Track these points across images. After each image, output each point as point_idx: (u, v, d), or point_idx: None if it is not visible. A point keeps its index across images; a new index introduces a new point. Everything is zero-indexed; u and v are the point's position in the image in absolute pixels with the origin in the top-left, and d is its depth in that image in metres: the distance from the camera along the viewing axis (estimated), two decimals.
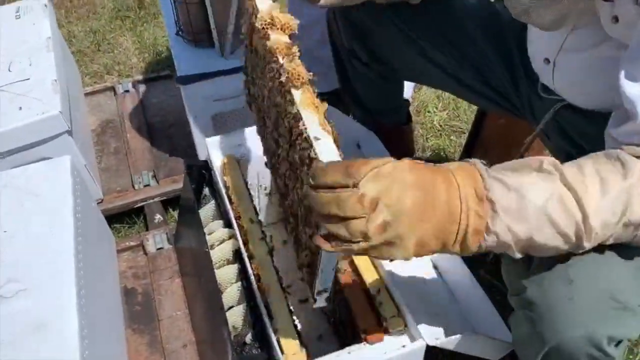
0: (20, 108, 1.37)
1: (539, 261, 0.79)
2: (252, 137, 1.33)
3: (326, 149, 0.78)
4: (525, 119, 1.24)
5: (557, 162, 0.73)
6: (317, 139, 0.80)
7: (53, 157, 1.29)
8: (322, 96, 0.89)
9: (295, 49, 0.90)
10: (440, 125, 2.04)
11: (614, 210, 0.70)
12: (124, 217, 1.70)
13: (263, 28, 0.94)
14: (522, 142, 1.31)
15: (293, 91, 0.86)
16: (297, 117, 0.85)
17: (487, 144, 1.64)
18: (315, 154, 0.78)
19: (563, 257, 0.77)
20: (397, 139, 1.53)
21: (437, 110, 2.09)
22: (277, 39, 0.92)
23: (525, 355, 0.86)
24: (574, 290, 0.76)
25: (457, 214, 0.68)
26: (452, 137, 2.00)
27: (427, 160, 1.89)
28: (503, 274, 0.87)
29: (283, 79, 0.88)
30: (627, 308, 0.76)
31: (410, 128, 1.63)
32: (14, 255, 1.07)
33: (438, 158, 1.92)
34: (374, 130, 1.41)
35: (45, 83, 1.43)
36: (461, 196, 0.68)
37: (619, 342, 0.78)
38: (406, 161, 0.69)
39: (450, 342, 0.97)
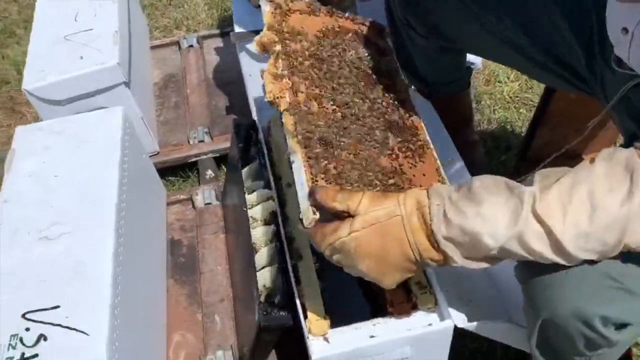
0: (82, 57, 1.42)
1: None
2: None
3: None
4: (597, 97, 1.13)
5: (548, 175, 0.69)
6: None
7: (110, 107, 1.33)
8: None
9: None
10: (510, 97, 1.92)
11: (604, 240, 0.65)
12: (178, 171, 1.73)
13: None
14: (591, 118, 1.20)
15: None
16: None
17: (555, 120, 1.53)
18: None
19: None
20: (453, 108, 1.44)
21: (508, 80, 1.97)
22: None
23: (528, 327, 0.83)
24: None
25: (412, 258, 0.75)
26: (521, 110, 1.88)
27: (491, 135, 1.79)
28: (516, 276, 0.83)
29: None
30: (625, 289, 0.69)
31: (467, 95, 1.53)
32: (62, 199, 1.11)
33: (503, 131, 1.81)
34: (428, 97, 1.34)
35: (106, 34, 1.47)
36: (412, 249, 0.74)
37: (623, 326, 0.71)
38: (365, 231, 0.74)
39: (481, 327, 0.92)
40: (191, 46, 2.00)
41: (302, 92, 0.97)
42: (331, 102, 0.99)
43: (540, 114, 1.55)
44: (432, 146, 1.02)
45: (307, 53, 1.05)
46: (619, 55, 0.98)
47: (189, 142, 1.71)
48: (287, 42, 1.05)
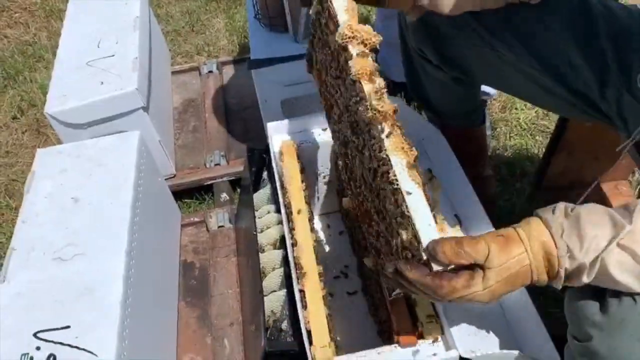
0: (102, 82, 1.46)
1: (614, 309, 0.72)
2: (315, 124, 1.32)
3: (420, 213, 0.78)
4: (614, 126, 1.11)
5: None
6: (408, 193, 0.79)
7: (129, 131, 1.36)
8: (399, 86, 0.85)
9: (380, 82, 0.87)
10: (526, 124, 1.91)
11: None
12: (194, 193, 1.76)
13: (344, 42, 0.90)
14: (610, 149, 1.18)
15: (382, 136, 0.83)
16: (385, 162, 0.83)
17: (572, 147, 1.51)
18: (409, 213, 0.78)
19: None
20: (467, 141, 1.43)
21: (525, 108, 1.96)
22: (362, 64, 0.87)
23: None
24: None
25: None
26: (537, 137, 1.87)
27: (506, 162, 1.78)
28: (565, 308, 0.80)
29: (369, 114, 0.85)
30: None
31: (482, 130, 1.52)
32: (77, 221, 1.14)
33: (518, 158, 1.80)
34: (442, 130, 1.34)
35: (126, 60, 1.52)
36: (533, 282, 0.75)
37: None
38: (499, 283, 0.75)
39: (487, 358, 0.90)
40: (211, 72, 2.05)
41: None
42: None
43: (556, 141, 1.54)
44: None
45: None
46: None
47: (205, 165, 1.74)
48: None
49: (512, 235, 0.75)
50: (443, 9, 1.04)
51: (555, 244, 0.72)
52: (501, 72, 1.19)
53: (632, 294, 0.70)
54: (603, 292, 0.72)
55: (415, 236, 0.78)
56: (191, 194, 1.76)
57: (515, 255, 0.73)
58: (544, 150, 1.77)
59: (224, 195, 1.67)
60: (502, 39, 1.13)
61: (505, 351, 0.91)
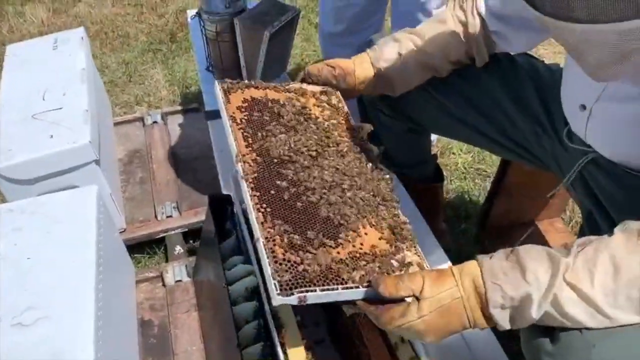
0: (52, 136, 1.41)
1: (563, 339, 0.78)
2: None
3: None
4: (551, 171, 1.22)
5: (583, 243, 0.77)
6: None
7: (80, 185, 1.32)
8: None
9: None
10: (465, 168, 2.03)
11: (630, 295, 0.72)
12: (145, 247, 1.70)
13: None
14: (547, 189, 1.29)
15: None
16: None
17: (512, 190, 1.62)
18: None
19: (587, 338, 0.76)
20: (425, 196, 1.51)
21: (461, 152, 2.09)
22: None
23: None
24: None
25: (467, 327, 0.81)
26: (476, 180, 1.99)
27: (450, 204, 1.87)
28: (522, 345, 0.86)
29: None
30: None
31: (439, 187, 1.62)
32: (36, 283, 1.07)
33: (461, 201, 1.90)
34: (404, 184, 1.40)
35: (76, 113, 1.47)
36: (470, 322, 0.81)
37: None
38: (432, 314, 0.80)
39: None
40: (155, 122, 2.02)
41: None
42: None
43: (497, 185, 1.65)
44: None
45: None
46: (575, 131, 1.07)
47: (156, 217, 1.69)
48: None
49: (445, 271, 0.83)
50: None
51: (484, 281, 0.79)
52: (447, 123, 1.28)
53: (579, 329, 0.76)
54: (552, 329, 0.78)
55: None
56: (141, 249, 1.71)
57: (446, 288, 0.80)
58: (484, 192, 1.89)
59: (179, 248, 1.63)
60: (447, 96, 1.23)
61: None
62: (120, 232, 1.61)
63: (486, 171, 1.99)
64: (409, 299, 0.81)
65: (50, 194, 1.26)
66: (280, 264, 0.84)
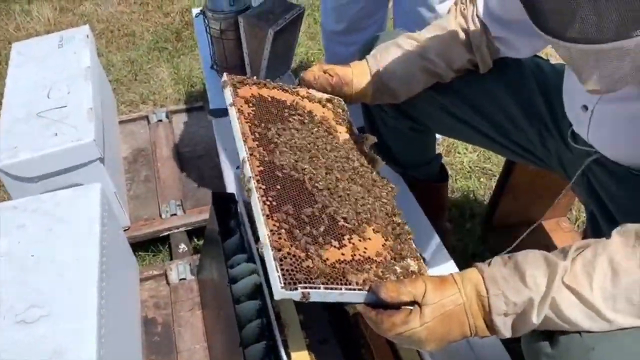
0: (56, 134, 1.41)
1: (562, 341, 0.78)
2: None
3: None
4: (556, 172, 1.21)
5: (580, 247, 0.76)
6: None
7: (84, 183, 1.31)
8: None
9: None
10: (470, 167, 2.02)
11: (630, 298, 0.72)
12: (149, 245, 1.70)
13: None
14: (552, 189, 1.28)
15: None
16: None
17: (517, 190, 1.61)
18: None
19: (586, 340, 0.75)
20: (428, 196, 1.49)
21: (467, 151, 2.07)
22: None
23: None
24: None
25: (468, 335, 0.81)
26: (481, 179, 1.97)
27: (455, 203, 1.86)
28: (523, 349, 0.85)
29: None
30: None
31: (445, 186, 1.60)
32: (39, 281, 1.07)
33: (466, 200, 1.89)
34: (408, 184, 1.39)
35: (81, 111, 1.47)
36: (471, 330, 0.80)
37: None
38: (435, 321, 0.79)
39: None
40: (160, 120, 2.02)
41: None
42: None
43: (502, 184, 1.64)
44: None
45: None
46: (578, 132, 1.06)
47: (160, 216, 1.69)
48: None
49: (447, 278, 0.82)
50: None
51: (486, 287, 0.78)
52: (452, 125, 1.27)
53: (578, 332, 0.76)
54: (552, 333, 0.78)
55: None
56: (146, 247, 1.71)
57: (449, 294, 0.79)
58: (489, 191, 1.88)
59: (183, 246, 1.63)
60: (451, 100, 1.22)
61: None
62: (125, 230, 1.61)
63: (492, 170, 1.98)
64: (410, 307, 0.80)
65: (54, 192, 1.26)
66: (285, 257, 0.83)
